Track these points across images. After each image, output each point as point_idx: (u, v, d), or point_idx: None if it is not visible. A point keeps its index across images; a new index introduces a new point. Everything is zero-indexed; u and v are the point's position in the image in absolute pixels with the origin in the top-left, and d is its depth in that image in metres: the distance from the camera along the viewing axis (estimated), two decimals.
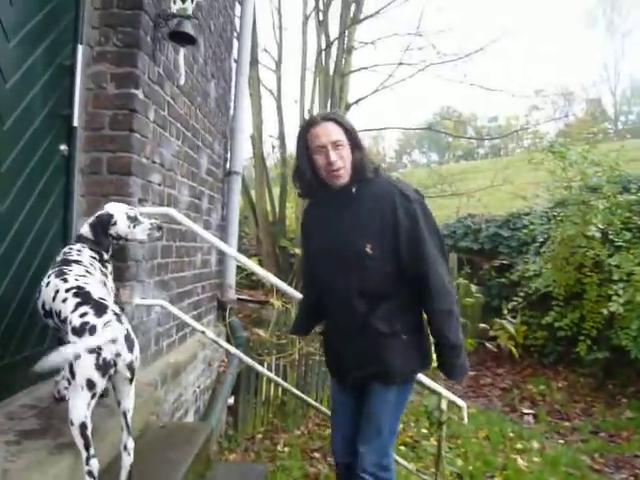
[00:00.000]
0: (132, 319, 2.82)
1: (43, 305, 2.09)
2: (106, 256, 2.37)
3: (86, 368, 1.81)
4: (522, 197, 9.36)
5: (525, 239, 8.53)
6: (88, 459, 1.80)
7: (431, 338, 2.28)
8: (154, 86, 3.01)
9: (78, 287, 2.00)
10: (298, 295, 2.91)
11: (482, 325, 6.55)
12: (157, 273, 3.24)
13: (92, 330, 1.83)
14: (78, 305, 1.91)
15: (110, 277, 2.38)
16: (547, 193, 8.98)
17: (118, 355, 1.85)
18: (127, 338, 1.89)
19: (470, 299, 7.09)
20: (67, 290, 1.99)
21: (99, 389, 1.83)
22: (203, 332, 3.10)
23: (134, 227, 2.43)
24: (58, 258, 2.27)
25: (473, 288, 7.21)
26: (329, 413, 3.02)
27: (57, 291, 2.02)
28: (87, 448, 1.81)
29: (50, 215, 2.62)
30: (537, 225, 8.33)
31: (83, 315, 1.87)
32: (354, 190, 2.24)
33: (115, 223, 2.38)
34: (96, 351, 1.82)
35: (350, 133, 2.22)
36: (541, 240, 8.06)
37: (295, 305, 4.24)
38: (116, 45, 2.78)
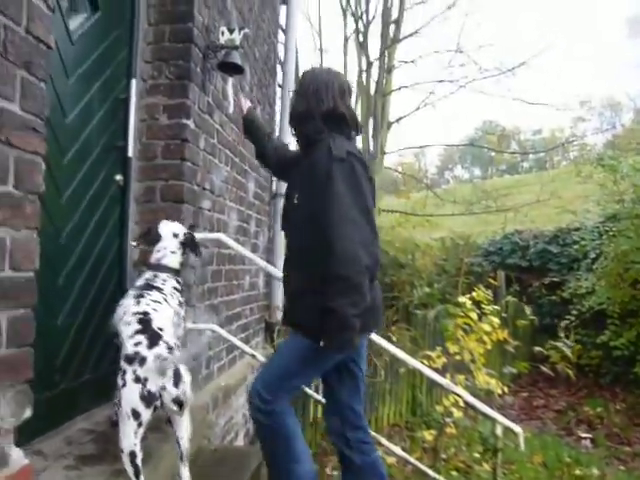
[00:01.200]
0: (184, 344, 2.86)
1: (113, 325, 2.20)
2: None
3: (131, 398, 1.87)
4: (571, 212, 9.12)
5: (576, 255, 8.33)
6: None
7: (373, 307, 2.18)
8: (204, 115, 3.09)
9: (144, 312, 2.08)
10: None
11: (537, 348, 6.36)
12: (207, 297, 3.29)
13: (142, 361, 1.89)
14: (136, 332, 1.99)
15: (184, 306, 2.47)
16: (597, 207, 8.76)
17: (164, 389, 1.88)
18: (175, 373, 1.92)
19: (523, 321, 6.90)
20: (133, 314, 2.08)
21: (145, 419, 1.88)
22: (253, 355, 3.12)
23: None
24: (139, 282, 2.36)
25: (527, 310, 7.01)
26: (375, 435, 2.99)
27: (125, 312, 2.12)
28: (137, 476, 1.85)
29: (107, 243, 2.70)
30: (588, 240, 8.13)
31: (137, 344, 1.94)
32: (303, 148, 2.38)
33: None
34: (142, 382, 1.87)
35: (296, 91, 2.41)
36: (593, 256, 7.85)
37: None
38: (168, 78, 2.88)
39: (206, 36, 3.08)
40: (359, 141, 10.77)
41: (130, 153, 2.78)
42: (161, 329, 2.03)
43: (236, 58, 3.06)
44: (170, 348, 1.97)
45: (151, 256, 2.52)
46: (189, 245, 2.56)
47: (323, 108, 2.24)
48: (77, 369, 2.50)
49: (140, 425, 1.87)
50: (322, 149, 2.16)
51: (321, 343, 2.05)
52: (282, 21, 5.65)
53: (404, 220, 11.85)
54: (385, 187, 13.72)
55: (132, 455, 1.85)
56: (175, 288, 2.40)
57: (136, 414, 1.86)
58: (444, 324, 4.32)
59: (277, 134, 5.30)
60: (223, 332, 3.11)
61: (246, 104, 2.74)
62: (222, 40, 3.10)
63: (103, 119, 2.62)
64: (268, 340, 5.00)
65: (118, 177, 2.76)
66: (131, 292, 2.28)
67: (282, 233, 5.27)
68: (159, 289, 2.30)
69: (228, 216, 3.63)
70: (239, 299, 4.02)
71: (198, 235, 2.92)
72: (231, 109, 3.36)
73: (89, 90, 2.51)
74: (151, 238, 2.52)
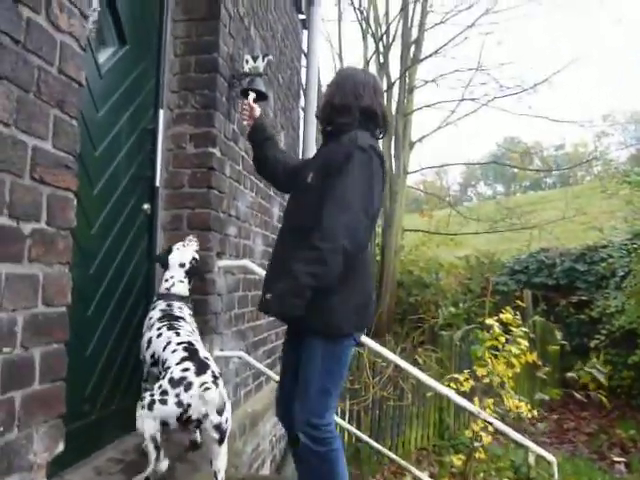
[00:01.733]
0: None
1: (153, 354, 2.23)
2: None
3: (168, 414, 1.94)
4: (598, 229, 8.98)
5: (604, 273, 8.18)
6: None
7: (366, 299, 2.20)
8: (229, 143, 3.12)
9: (189, 343, 2.16)
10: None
11: (569, 375, 6.22)
12: (234, 324, 3.29)
13: (188, 386, 1.93)
14: (184, 359, 2.04)
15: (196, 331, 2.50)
16: (625, 224, 8.62)
17: (206, 416, 1.90)
18: (219, 401, 1.95)
19: (555, 346, 6.75)
20: (179, 343, 2.14)
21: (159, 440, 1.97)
22: None
23: None
24: (157, 314, 2.40)
25: (555, 330, 6.87)
26: (403, 463, 2.94)
27: (169, 342, 2.17)
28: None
29: (135, 272, 2.72)
30: (616, 258, 7.99)
31: (185, 370, 1.99)
32: (329, 129, 2.38)
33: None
34: (184, 407, 1.89)
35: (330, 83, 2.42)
36: (621, 274, 7.70)
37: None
38: (194, 107, 2.92)
39: (231, 65, 3.12)
40: None
41: (157, 183, 2.81)
42: (207, 359, 2.08)
43: (260, 85, 3.09)
44: (216, 377, 2.02)
45: (161, 284, 2.60)
46: (194, 272, 2.64)
47: (361, 104, 2.29)
48: (106, 398, 2.50)
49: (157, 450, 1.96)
50: (348, 137, 2.20)
51: (267, 296, 2.07)
52: (304, 45, 5.70)
53: (427, 239, 11.79)
54: (407, 205, 13.69)
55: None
56: (190, 315, 2.51)
57: (155, 440, 1.95)
58: (473, 350, 4.24)
59: (300, 155, 5.33)
60: (251, 359, 3.11)
61: (257, 111, 2.71)
62: (246, 68, 3.13)
63: (131, 150, 2.66)
64: None
65: (146, 206, 2.79)
66: (157, 324, 2.31)
67: None
68: (183, 319, 2.36)
69: (253, 241, 3.64)
70: (265, 324, 4.01)
71: (224, 262, 2.95)
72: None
73: (118, 122, 2.55)
74: (161, 263, 2.65)
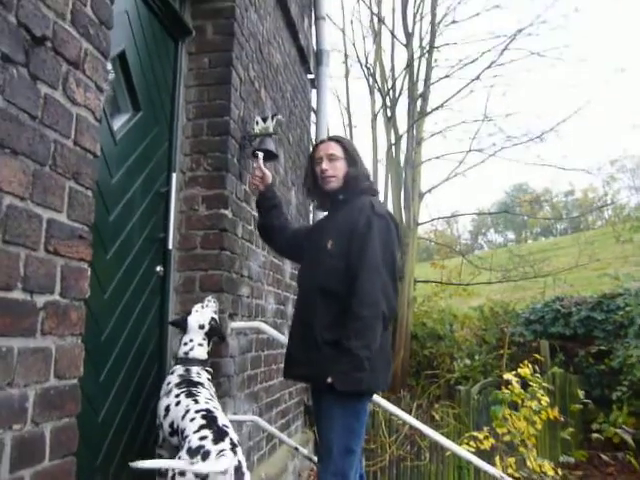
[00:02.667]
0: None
1: (171, 424, 2.19)
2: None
3: None
4: (614, 277, 8.89)
5: (622, 322, 8.03)
6: None
7: (388, 357, 2.35)
8: (241, 203, 3.15)
9: (207, 410, 2.12)
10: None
11: (595, 436, 6.02)
12: (247, 385, 3.24)
13: (205, 455, 1.88)
14: (202, 427, 2.00)
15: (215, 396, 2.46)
16: None
17: None
18: (237, 470, 1.91)
19: (577, 405, 6.55)
20: (197, 411, 2.10)
21: None
22: (296, 449, 3.03)
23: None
24: (175, 379, 2.38)
25: (580, 393, 6.67)
26: None
27: (188, 410, 2.13)
28: None
29: (147, 335, 2.70)
30: (634, 306, 7.85)
31: (203, 438, 1.94)
32: (340, 197, 2.50)
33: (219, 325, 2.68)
34: (202, 478, 1.84)
35: (347, 151, 2.54)
36: None
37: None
38: (206, 169, 2.96)
39: (242, 127, 3.18)
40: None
41: (170, 245, 2.82)
42: (226, 426, 2.04)
43: (270, 145, 3.14)
44: (234, 445, 1.97)
45: (179, 348, 2.57)
46: (214, 334, 2.62)
47: (367, 171, 2.59)
48: (117, 467, 2.44)
49: None
50: (363, 203, 2.37)
51: (329, 379, 2.15)
52: (313, 103, 5.82)
53: (440, 290, 11.69)
54: (418, 254, 13.65)
55: None
56: (208, 379, 2.48)
57: None
58: (493, 411, 4.14)
59: (311, 212, 5.37)
60: (264, 424, 3.04)
61: (268, 177, 2.81)
62: (257, 129, 3.19)
63: (145, 213, 2.68)
64: (307, 424, 4.86)
65: (159, 268, 2.79)
66: (178, 390, 2.27)
67: None
68: (202, 384, 2.33)
69: (266, 300, 3.62)
70: (278, 384, 3.95)
71: (237, 324, 2.93)
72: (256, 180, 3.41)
73: (132, 186, 2.58)
74: (181, 327, 2.62)
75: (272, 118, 3.22)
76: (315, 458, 3.33)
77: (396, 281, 2.32)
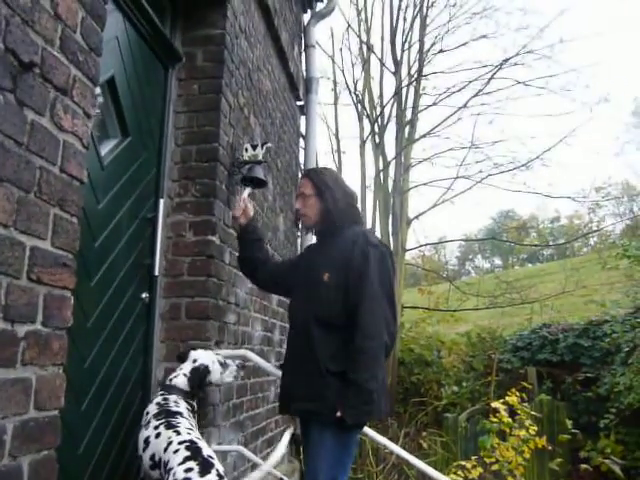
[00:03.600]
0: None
1: (152, 456, 2.12)
2: (196, 406, 2.43)
3: None
4: (601, 304, 8.94)
5: (608, 348, 8.04)
6: None
7: (384, 386, 2.30)
8: (229, 230, 3.13)
9: (191, 441, 2.05)
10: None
11: (584, 466, 5.97)
12: (233, 414, 3.19)
13: None
14: (186, 459, 1.94)
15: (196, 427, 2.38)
16: (626, 298, 8.58)
17: None
18: None
19: (565, 436, 6.51)
20: (180, 442, 2.04)
21: None
22: (281, 479, 2.97)
23: (224, 372, 2.57)
24: (153, 409, 2.30)
25: (568, 423, 6.63)
26: None
27: (170, 443, 2.06)
28: None
29: (131, 363, 2.65)
30: (620, 333, 7.87)
31: (188, 470, 1.89)
32: (325, 231, 2.54)
33: (209, 372, 2.51)
34: None
35: (316, 187, 2.54)
36: (626, 349, 7.55)
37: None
38: (194, 195, 2.94)
39: (231, 154, 3.18)
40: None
41: (156, 272, 2.79)
42: (211, 457, 1.99)
43: (259, 173, 3.14)
44: (220, 477, 1.92)
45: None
46: (198, 375, 2.50)
47: (349, 198, 2.57)
48: None
49: None
50: (356, 235, 2.39)
51: (338, 413, 2.14)
52: (302, 129, 5.85)
53: (427, 316, 11.68)
54: (405, 280, 13.63)
55: None
56: (188, 409, 2.38)
57: None
58: (481, 441, 4.11)
59: (299, 238, 5.36)
60: (250, 454, 2.99)
61: (250, 211, 2.89)
62: (246, 156, 3.19)
63: (131, 239, 2.65)
64: (294, 452, 4.79)
65: (144, 295, 2.75)
66: (156, 422, 2.21)
67: None
68: (180, 414, 2.27)
69: (252, 327, 3.59)
70: (264, 412, 3.89)
71: (223, 352, 2.88)
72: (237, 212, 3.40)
73: (118, 212, 2.56)
74: (182, 358, 2.58)
75: (262, 146, 3.23)
76: None
77: (394, 306, 2.35)
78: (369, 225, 10.92)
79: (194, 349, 2.59)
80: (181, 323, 2.81)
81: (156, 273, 2.78)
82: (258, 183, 3.22)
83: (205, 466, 1.92)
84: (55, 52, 1.60)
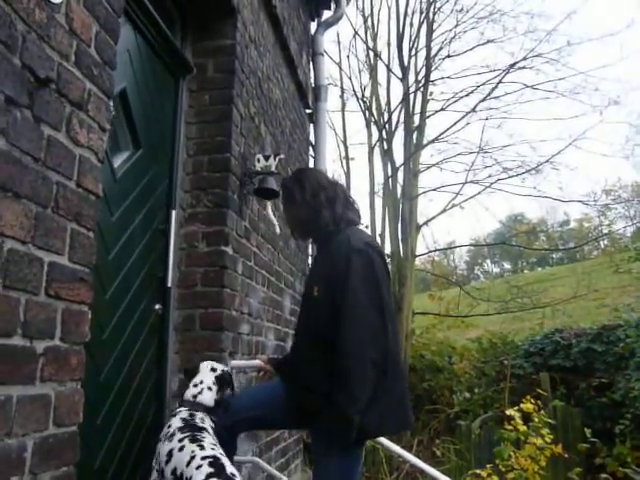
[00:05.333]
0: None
1: (174, 470, 2.04)
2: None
3: None
4: (614, 309, 8.86)
5: (622, 353, 7.97)
6: None
7: (399, 396, 2.16)
8: (241, 240, 3.13)
9: (214, 457, 1.98)
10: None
11: (604, 476, 5.89)
12: None
13: None
14: (209, 476, 1.88)
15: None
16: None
17: None
18: None
19: (585, 445, 6.43)
20: (203, 458, 1.97)
21: None
22: None
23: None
24: (178, 422, 2.24)
25: (587, 432, 6.55)
26: None
27: (193, 457, 1.99)
28: None
29: (145, 375, 2.64)
30: (634, 337, 7.81)
31: None
32: (322, 241, 2.35)
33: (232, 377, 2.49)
34: None
35: (286, 198, 2.41)
36: None
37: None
38: (206, 206, 2.94)
39: (242, 164, 3.18)
40: (387, 246, 10.84)
41: (169, 283, 2.78)
42: (234, 475, 1.94)
43: (272, 184, 3.14)
44: None
45: (187, 390, 2.41)
46: (225, 381, 2.46)
47: (328, 195, 2.30)
48: None
49: None
50: (340, 240, 2.18)
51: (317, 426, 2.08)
52: (311, 137, 5.86)
53: (438, 322, 11.63)
54: (415, 285, 13.59)
55: None
56: (212, 427, 2.30)
57: None
58: (498, 451, 4.07)
59: (310, 249, 5.36)
60: (264, 465, 2.97)
61: (270, 369, 2.66)
62: (258, 167, 3.19)
63: (144, 251, 2.65)
64: (307, 462, 4.76)
65: (157, 306, 2.75)
66: (181, 435, 2.18)
67: None
68: (206, 430, 2.22)
69: (266, 337, 3.58)
70: None
71: (237, 362, 2.87)
72: (277, 230, 3.39)
73: (131, 224, 2.56)
74: (190, 373, 2.47)
75: (274, 157, 3.23)
76: None
77: (388, 315, 2.12)
78: (378, 231, 10.90)
79: (202, 361, 2.55)
80: (195, 334, 2.81)
81: (169, 285, 2.78)
82: (271, 193, 3.21)
83: None
84: (70, 67, 1.60)
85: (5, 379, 1.29)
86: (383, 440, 2.85)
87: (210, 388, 2.40)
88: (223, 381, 2.45)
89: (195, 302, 2.85)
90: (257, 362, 2.86)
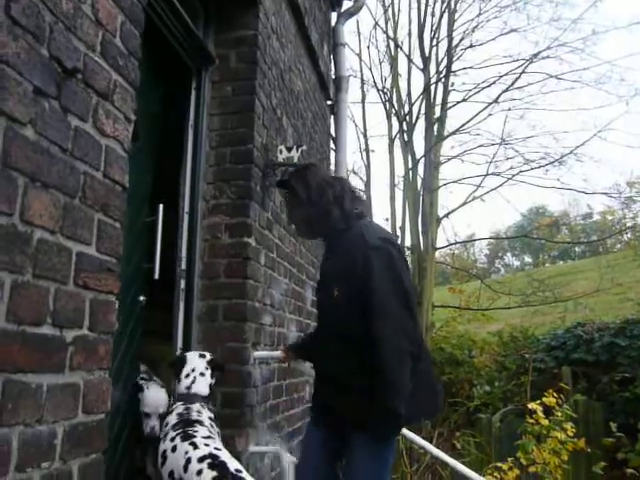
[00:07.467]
0: (247, 467, 2.73)
1: (171, 473, 1.97)
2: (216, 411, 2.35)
3: None
4: (638, 303, 8.73)
5: None
6: None
7: (429, 380, 2.20)
8: (264, 231, 3.13)
9: (211, 456, 1.91)
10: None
11: (630, 471, 5.83)
12: (269, 415, 3.19)
13: None
14: None
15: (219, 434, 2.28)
16: None
17: None
18: None
19: (609, 439, 6.37)
20: (200, 460, 1.90)
21: None
22: None
23: None
24: (173, 419, 2.19)
25: (613, 426, 6.48)
26: None
27: (189, 460, 1.92)
28: None
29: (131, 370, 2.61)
30: None
31: None
32: (332, 239, 2.30)
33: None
34: None
35: (290, 197, 2.37)
36: None
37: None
38: (229, 197, 2.95)
39: (265, 155, 3.18)
40: (408, 238, 10.79)
41: (156, 275, 2.70)
42: (239, 471, 1.88)
43: None
44: None
45: (179, 383, 2.38)
46: (215, 364, 2.45)
47: (336, 194, 2.25)
48: None
49: None
50: (354, 237, 2.16)
51: (365, 429, 2.06)
52: (332, 130, 5.83)
53: (458, 315, 11.57)
54: (435, 278, 13.53)
55: None
56: (210, 418, 2.25)
57: None
58: (522, 444, 4.04)
59: None
60: (288, 455, 2.97)
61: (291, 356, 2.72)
62: (280, 158, 3.19)
63: (130, 243, 2.45)
64: None
65: (142, 298, 2.68)
66: (173, 433, 2.08)
67: None
68: (200, 422, 2.14)
69: (287, 328, 3.59)
70: (300, 413, 3.89)
71: (260, 353, 2.89)
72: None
73: None
74: (178, 365, 2.44)
75: (297, 149, 3.22)
76: None
77: (413, 306, 2.15)
78: (399, 223, 10.86)
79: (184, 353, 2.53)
80: (219, 325, 2.82)
81: (156, 277, 2.70)
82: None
83: None
84: (96, 57, 1.61)
85: (36, 367, 1.30)
86: (406, 432, 2.84)
87: (203, 374, 2.35)
88: (215, 365, 2.42)
89: (219, 293, 2.86)
90: (278, 353, 2.88)
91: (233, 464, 1.91)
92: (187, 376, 2.36)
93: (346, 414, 2.16)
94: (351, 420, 2.14)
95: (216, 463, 1.88)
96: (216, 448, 1.98)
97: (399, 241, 11.12)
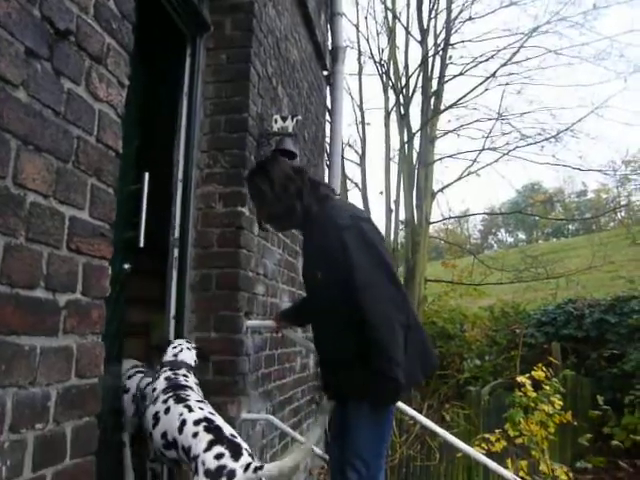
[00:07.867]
0: (239, 434, 2.77)
1: (164, 434, 2.00)
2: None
3: None
4: (629, 281, 8.79)
5: (636, 325, 7.95)
6: None
7: (419, 347, 2.21)
8: None
9: (207, 419, 1.94)
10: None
11: (615, 442, 5.95)
12: (261, 384, 3.22)
13: (231, 475, 1.74)
14: (212, 444, 1.83)
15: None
16: None
17: None
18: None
19: (595, 412, 6.49)
20: (196, 422, 1.92)
21: None
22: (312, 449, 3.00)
23: None
24: (162, 384, 2.22)
25: (599, 399, 6.61)
26: None
27: (184, 421, 1.94)
28: None
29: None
30: None
31: (219, 457, 1.78)
32: (304, 229, 2.38)
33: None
34: None
35: (252, 195, 2.41)
36: None
37: None
38: (223, 166, 2.93)
39: (260, 124, 3.15)
40: (402, 212, 10.80)
41: (141, 243, 2.70)
42: (234, 435, 1.90)
43: (289, 144, 3.12)
44: (251, 456, 1.84)
45: (166, 353, 2.42)
46: (201, 352, 2.53)
47: (297, 184, 2.26)
48: None
49: None
50: (324, 221, 2.19)
51: (367, 399, 2.11)
52: (328, 101, 5.79)
53: (450, 289, 11.64)
54: (428, 253, 13.59)
55: None
56: (196, 384, 2.31)
57: None
58: (510, 415, 4.10)
59: None
60: (278, 423, 3.03)
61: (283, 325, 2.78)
62: (275, 128, 3.17)
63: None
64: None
65: (127, 266, 2.67)
66: (164, 396, 2.11)
67: None
68: (190, 387, 2.19)
69: (280, 299, 3.61)
70: (291, 382, 3.93)
71: (252, 322, 2.90)
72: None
73: None
74: (165, 345, 2.48)
75: (292, 118, 3.20)
76: (327, 457, 3.30)
77: (394, 276, 2.19)
78: (393, 197, 10.84)
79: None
80: (212, 294, 2.83)
81: (141, 245, 2.69)
82: (288, 154, 3.19)
83: (235, 449, 1.82)
84: (89, 20, 1.58)
85: (29, 330, 1.31)
86: (398, 403, 2.87)
87: (189, 349, 2.41)
88: (199, 352, 2.47)
89: (212, 262, 2.87)
90: (270, 322, 2.90)
91: (228, 429, 1.94)
92: (174, 347, 2.43)
93: (346, 387, 2.20)
94: (351, 390, 2.18)
95: (212, 427, 1.90)
96: (211, 412, 2.01)
97: (391, 215, 11.14)
